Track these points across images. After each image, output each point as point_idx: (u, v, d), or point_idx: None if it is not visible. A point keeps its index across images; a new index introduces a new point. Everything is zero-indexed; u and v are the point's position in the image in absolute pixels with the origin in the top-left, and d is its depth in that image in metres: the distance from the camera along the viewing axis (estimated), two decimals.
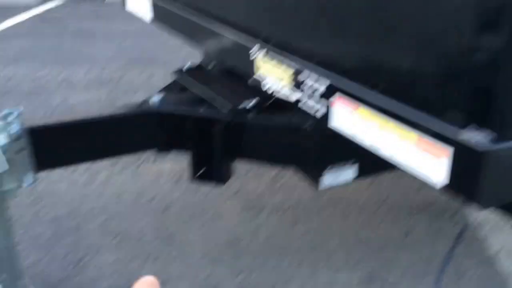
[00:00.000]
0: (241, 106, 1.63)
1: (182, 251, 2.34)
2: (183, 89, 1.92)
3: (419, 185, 2.62)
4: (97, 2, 8.10)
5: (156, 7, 2.22)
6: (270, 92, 1.42)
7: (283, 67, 1.31)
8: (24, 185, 1.52)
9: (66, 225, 2.51)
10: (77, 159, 1.68)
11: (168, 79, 2.06)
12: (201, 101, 1.76)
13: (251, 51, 1.45)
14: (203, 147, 1.68)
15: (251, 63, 1.47)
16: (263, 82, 1.43)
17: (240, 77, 1.78)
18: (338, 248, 2.36)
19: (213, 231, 2.49)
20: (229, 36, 1.59)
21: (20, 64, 5.06)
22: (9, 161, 1.42)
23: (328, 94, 1.16)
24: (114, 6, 6.15)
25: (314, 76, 1.20)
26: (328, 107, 1.17)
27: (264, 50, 1.38)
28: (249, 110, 1.63)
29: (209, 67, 2.08)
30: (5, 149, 1.41)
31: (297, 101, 1.29)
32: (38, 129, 1.54)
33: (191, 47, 2.07)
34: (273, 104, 1.64)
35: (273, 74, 1.37)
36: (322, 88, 1.18)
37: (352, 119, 1.10)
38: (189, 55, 5.25)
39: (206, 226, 2.52)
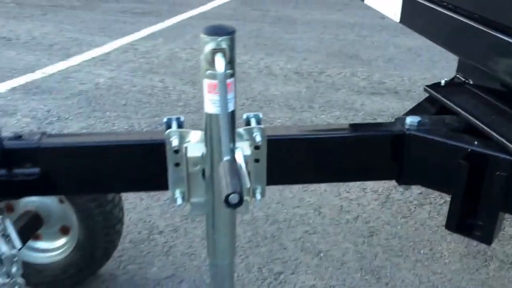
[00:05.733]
0: None
1: None
2: (442, 111, 1.55)
3: None
4: None
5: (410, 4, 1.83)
6: None
7: None
8: (257, 199, 1.32)
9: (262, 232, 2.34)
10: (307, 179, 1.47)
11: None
12: (472, 130, 1.38)
13: None
14: (471, 193, 1.30)
15: None
16: None
17: None
18: None
19: (428, 273, 2.10)
20: None
21: None
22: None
23: None
24: None
25: None
26: None
27: None
28: None
29: (471, 84, 1.67)
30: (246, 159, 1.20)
31: None
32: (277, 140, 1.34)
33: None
34: None
35: None
36: None
37: None
38: (396, 54, 4.82)
39: (420, 265, 2.14)
